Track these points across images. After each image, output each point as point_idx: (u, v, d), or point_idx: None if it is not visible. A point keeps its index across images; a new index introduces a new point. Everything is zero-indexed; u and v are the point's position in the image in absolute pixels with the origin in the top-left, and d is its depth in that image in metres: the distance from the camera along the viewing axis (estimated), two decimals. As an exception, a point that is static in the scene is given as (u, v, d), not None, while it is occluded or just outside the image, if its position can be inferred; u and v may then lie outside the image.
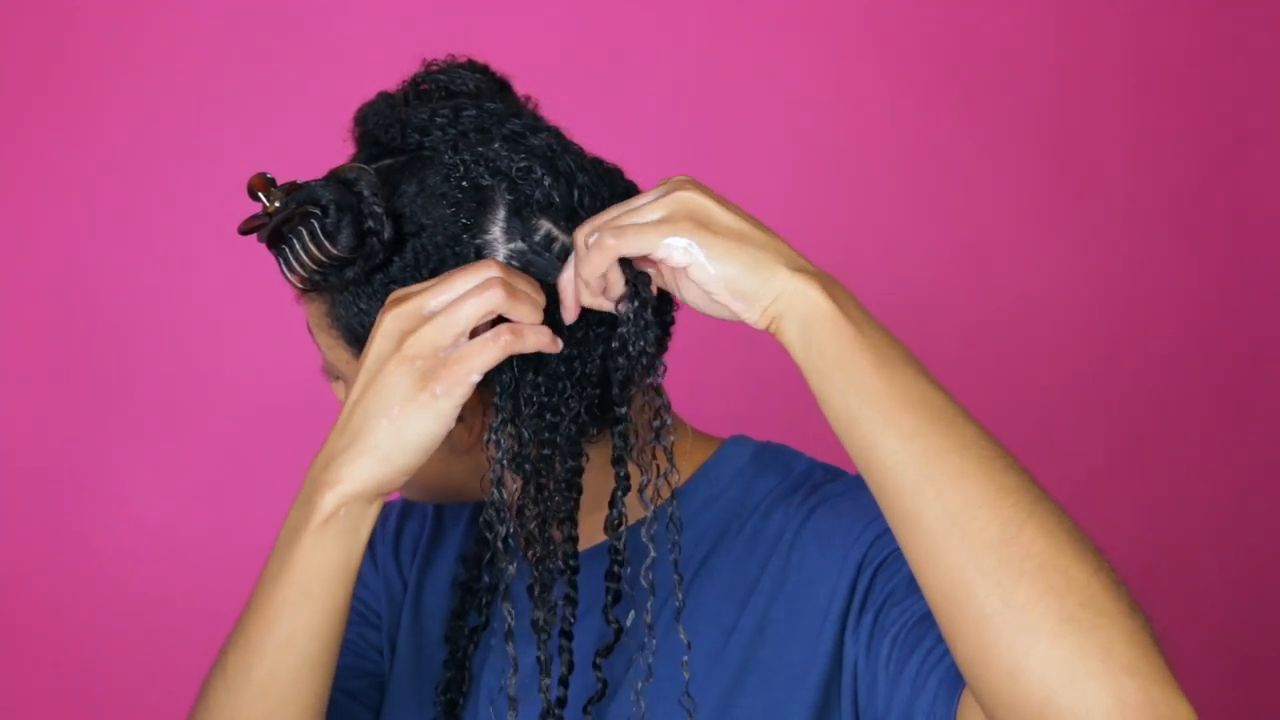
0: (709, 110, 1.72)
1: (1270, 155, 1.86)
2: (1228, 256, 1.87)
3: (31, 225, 1.59)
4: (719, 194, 0.74)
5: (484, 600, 0.93)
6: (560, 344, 0.75)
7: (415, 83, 0.83)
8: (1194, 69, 1.83)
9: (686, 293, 0.74)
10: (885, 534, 0.79)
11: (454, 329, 0.73)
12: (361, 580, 1.03)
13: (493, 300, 0.73)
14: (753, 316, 0.72)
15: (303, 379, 1.61)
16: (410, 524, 1.03)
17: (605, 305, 0.76)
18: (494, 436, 0.76)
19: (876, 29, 1.76)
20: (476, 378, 0.73)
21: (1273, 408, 1.90)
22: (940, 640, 0.73)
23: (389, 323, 0.74)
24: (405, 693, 0.95)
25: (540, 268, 0.78)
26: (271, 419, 1.64)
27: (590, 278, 0.74)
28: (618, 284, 0.75)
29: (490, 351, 0.73)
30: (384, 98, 0.83)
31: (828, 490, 0.84)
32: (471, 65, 0.84)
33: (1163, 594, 1.89)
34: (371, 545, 1.04)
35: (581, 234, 0.75)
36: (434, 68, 0.84)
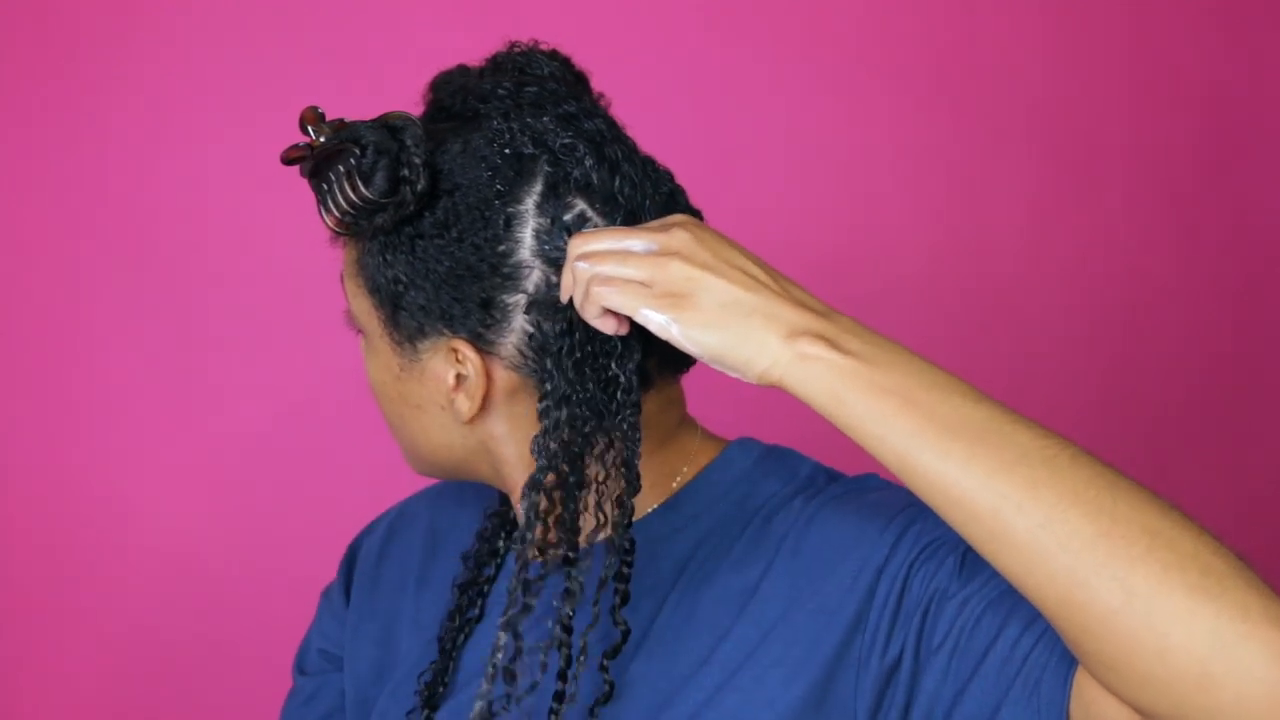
0: (709, 110, 1.72)
1: (1270, 155, 1.86)
2: (1228, 256, 1.87)
3: (31, 222, 1.59)
4: (716, 247, 0.73)
5: (482, 590, 0.92)
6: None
7: (494, 60, 0.84)
8: (1194, 69, 1.83)
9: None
10: (905, 534, 0.78)
11: None
12: (337, 620, 1.03)
13: None
14: (750, 382, 0.71)
15: (316, 381, 1.61)
16: (387, 568, 1.01)
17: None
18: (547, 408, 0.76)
19: (877, 28, 1.76)
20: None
21: (1273, 407, 1.90)
22: (1020, 635, 0.72)
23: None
24: (395, 705, 0.95)
25: (561, 250, 0.77)
26: (282, 421, 1.64)
27: (588, 319, 0.74)
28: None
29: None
30: (461, 69, 0.84)
31: (830, 493, 0.84)
32: (553, 54, 0.85)
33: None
34: (346, 588, 1.04)
35: (573, 254, 0.74)
36: (516, 49, 0.84)
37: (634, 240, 0.73)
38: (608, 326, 0.74)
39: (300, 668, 1.05)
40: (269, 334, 1.62)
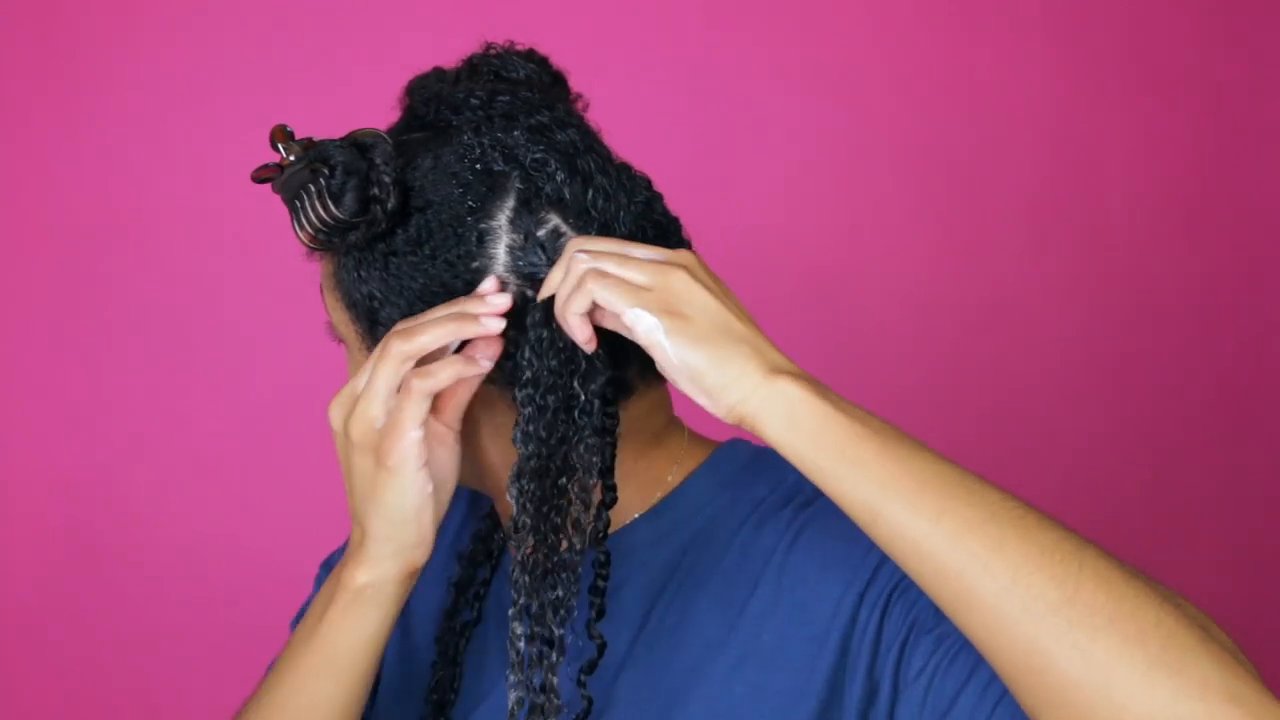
0: (709, 109, 1.72)
1: (1270, 155, 1.86)
2: (1228, 256, 1.87)
3: (31, 220, 1.59)
4: (716, 279, 0.73)
5: (478, 593, 0.92)
6: (482, 362, 0.75)
7: (470, 63, 0.83)
8: (1194, 69, 1.83)
9: (660, 364, 0.73)
10: (887, 560, 0.77)
11: (378, 399, 0.75)
12: None
13: (397, 353, 0.74)
14: (718, 412, 0.71)
15: (316, 380, 1.61)
16: None
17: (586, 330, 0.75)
18: (523, 425, 0.76)
19: (877, 28, 1.76)
20: (418, 434, 0.74)
21: (1274, 407, 1.90)
22: (992, 679, 0.72)
23: (334, 417, 0.77)
24: (391, 706, 0.94)
25: (535, 265, 0.77)
26: (278, 420, 1.64)
27: (569, 315, 0.73)
28: (601, 320, 0.74)
29: (411, 404, 0.74)
30: (436, 72, 0.84)
31: (818, 507, 0.82)
32: (530, 55, 0.84)
33: (1163, 594, 1.89)
34: None
35: (573, 248, 0.74)
36: (492, 51, 0.84)
37: (638, 249, 0.74)
38: (581, 334, 0.73)
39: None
40: (268, 333, 1.62)
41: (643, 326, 0.71)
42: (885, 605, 0.76)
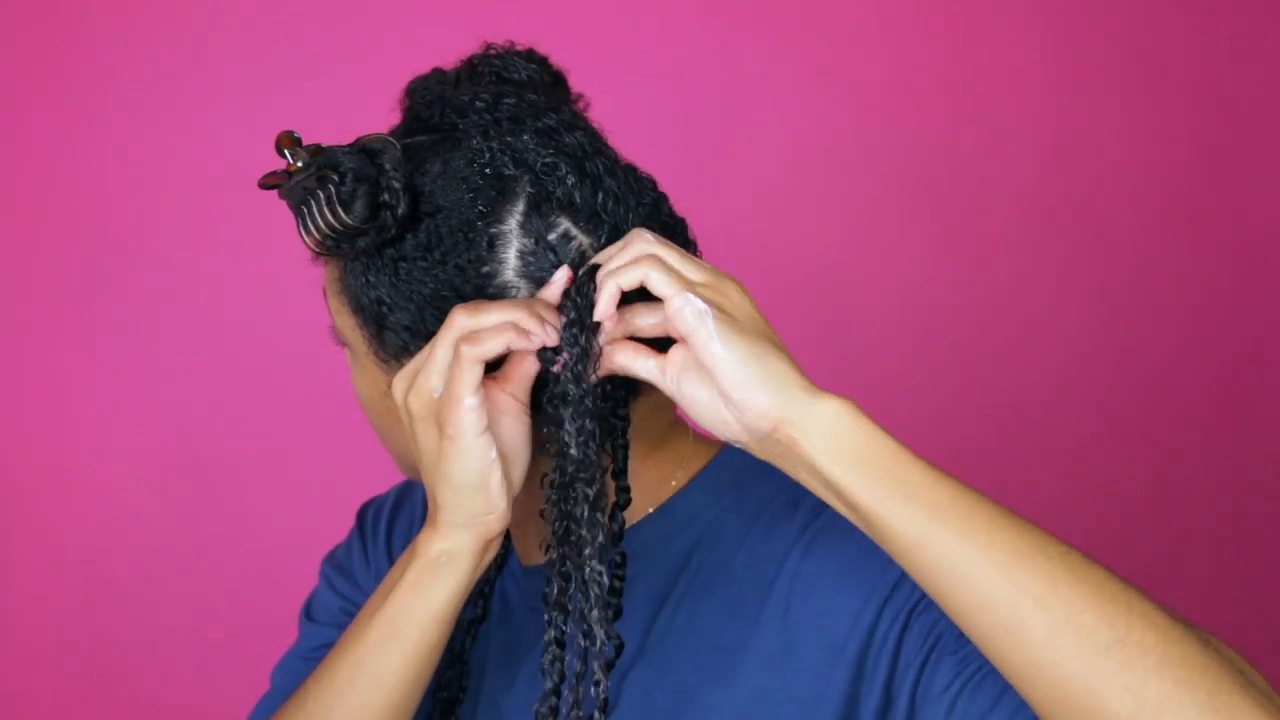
0: (708, 108, 1.72)
1: (1270, 156, 1.86)
2: (1228, 256, 1.87)
3: (31, 220, 1.59)
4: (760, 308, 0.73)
5: (483, 591, 0.92)
6: (533, 337, 0.74)
7: (470, 64, 0.83)
8: (1194, 70, 1.83)
9: (686, 387, 0.72)
10: (905, 577, 0.76)
11: (435, 370, 0.74)
12: (353, 579, 1.03)
13: (458, 326, 0.73)
14: (749, 414, 0.69)
15: (311, 380, 1.61)
16: (400, 521, 1.02)
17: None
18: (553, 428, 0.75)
19: (878, 28, 1.76)
20: (473, 401, 0.73)
21: (1273, 407, 1.90)
22: (1020, 706, 0.71)
23: (397, 392, 0.76)
24: None
25: (545, 269, 0.77)
26: (280, 421, 1.64)
27: (610, 282, 0.72)
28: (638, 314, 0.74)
29: (463, 371, 0.73)
30: (436, 73, 0.83)
31: (831, 513, 0.81)
32: (530, 55, 0.83)
33: (1161, 594, 1.89)
34: (364, 546, 1.04)
35: (639, 233, 0.74)
36: (492, 51, 0.83)
37: (697, 260, 0.74)
38: (608, 305, 0.73)
39: (309, 614, 1.04)
40: (270, 333, 1.62)
41: (691, 309, 0.70)
42: (906, 621, 0.76)
